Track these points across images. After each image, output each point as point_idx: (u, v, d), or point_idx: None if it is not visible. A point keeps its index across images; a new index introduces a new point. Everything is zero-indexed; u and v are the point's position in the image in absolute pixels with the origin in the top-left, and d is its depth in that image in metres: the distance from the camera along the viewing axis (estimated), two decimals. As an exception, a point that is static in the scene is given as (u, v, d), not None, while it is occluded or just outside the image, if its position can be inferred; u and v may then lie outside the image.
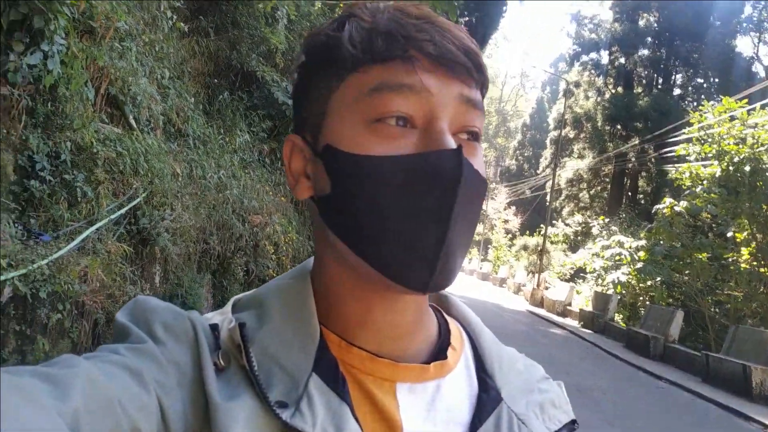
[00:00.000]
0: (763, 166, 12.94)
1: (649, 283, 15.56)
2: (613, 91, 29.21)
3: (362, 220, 0.47)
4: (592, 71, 30.96)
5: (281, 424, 0.44)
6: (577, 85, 30.80)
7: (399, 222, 0.45)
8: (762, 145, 13.03)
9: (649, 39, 28.66)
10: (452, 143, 0.46)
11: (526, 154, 48.19)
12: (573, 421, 0.58)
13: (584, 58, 31.68)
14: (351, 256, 0.48)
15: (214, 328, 0.50)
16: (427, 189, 0.45)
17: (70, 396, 0.35)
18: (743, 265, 13.45)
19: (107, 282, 3.74)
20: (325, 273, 0.53)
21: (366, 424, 0.47)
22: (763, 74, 27.02)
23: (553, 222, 29.72)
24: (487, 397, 0.53)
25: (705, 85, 28.49)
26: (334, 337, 0.51)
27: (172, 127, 5.66)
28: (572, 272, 23.32)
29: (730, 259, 13.80)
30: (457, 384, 0.54)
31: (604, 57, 30.87)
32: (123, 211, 4.20)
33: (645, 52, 29.12)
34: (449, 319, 0.60)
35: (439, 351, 0.55)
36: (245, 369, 0.47)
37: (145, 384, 0.41)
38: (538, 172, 39.42)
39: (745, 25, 27.78)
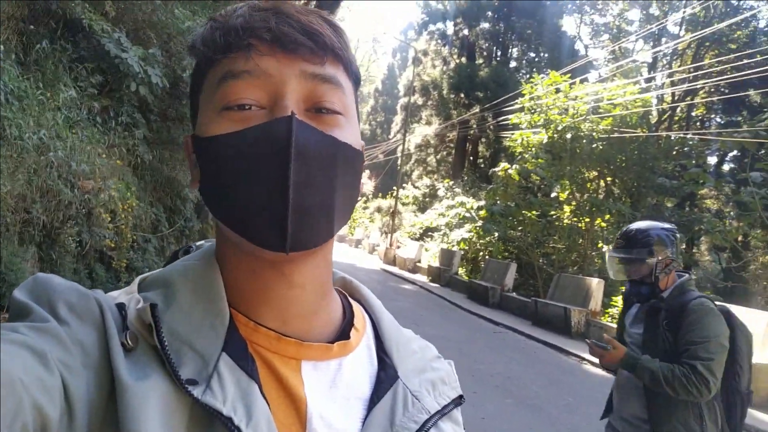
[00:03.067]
0: (581, 134, 14.64)
1: (488, 239, 16.98)
2: (458, 61, 30.77)
3: (222, 195, 0.50)
4: (439, 41, 32.28)
5: (192, 401, 0.44)
6: (425, 53, 31.96)
7: (248, 190, 0.48)
8: (581, 115, 14.70)
9: (489, 13, 30.51)
10: (286, 113, 0.49)
11: (378, 120, 49.30)
12: (460, 396, 0.62)
13: (432, 27, 32.86)
14: (227, 230, 0.51)
15: (121, 307, 0.50)
16: (264, 155, 0.48)
17: None
18: (565, 221, 15.26)
19: None
20: (224, 254, 0.55)
21: (273, 401, 0.49)
22: (583, 51, 30.28)
23: (404, 185, 31.02)
24: (385, 375, 0.57)
25: (537, 59, 31.10)
26: (242, 318, 0.53)
27: (-24, 79, 4.83)
28: (422, 231, 24.68)
29: (554, 216, 15.55)
30: (358, 362, 0.57)
31: (450, 28, 32.31)
32: None
33: (486, 25, 30.94)
34: (353, 303, 0.64)
35: (343, 332, 0.58)
36: (154, 349, 0.47)
37: (48, 364, 0.40)
38: (390, 137, 40.57)
39: (570, 6, 30.72)
